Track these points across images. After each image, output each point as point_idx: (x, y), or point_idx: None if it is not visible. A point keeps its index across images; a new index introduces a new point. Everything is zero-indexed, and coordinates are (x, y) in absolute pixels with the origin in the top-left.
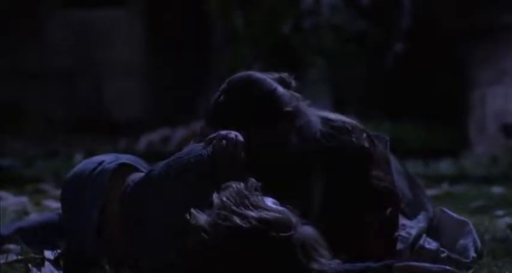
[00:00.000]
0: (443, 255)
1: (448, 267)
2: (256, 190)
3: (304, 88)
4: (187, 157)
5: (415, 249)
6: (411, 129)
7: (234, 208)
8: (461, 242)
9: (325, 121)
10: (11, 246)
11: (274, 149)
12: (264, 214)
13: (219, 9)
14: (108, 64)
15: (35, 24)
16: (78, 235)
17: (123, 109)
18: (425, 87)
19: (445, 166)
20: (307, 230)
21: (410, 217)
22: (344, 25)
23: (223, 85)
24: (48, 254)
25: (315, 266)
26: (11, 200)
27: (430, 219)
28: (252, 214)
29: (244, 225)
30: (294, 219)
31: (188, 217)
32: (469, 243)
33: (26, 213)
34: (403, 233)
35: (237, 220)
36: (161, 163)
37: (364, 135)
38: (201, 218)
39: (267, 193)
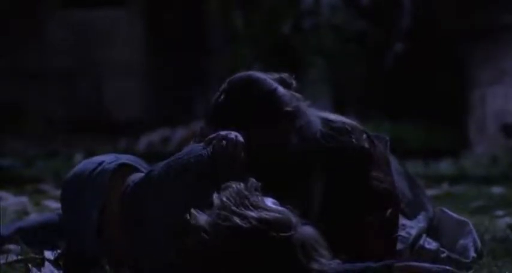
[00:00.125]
0: (443, 255)
1: (448, 267)
2: (256, 190)
3: (304, 89)
4: (187, 157)
5: (415, 249)
6: (411, 129)
7: (234, 208)
8: (461, 242)
9: (325, 121)
10: (11, 246)
11: (274, 149)
12: (264, 214)
13: (219, 9)
14: (108, 64)
15: (35, 24)
16: (78, 235)
17: (123, 109)
18: (425, 87)
19: (445, 166)
20: (307, 230)
21: (410, 217)
22: (344, 25)
23: (224, 85)
24: (48, 254)
25: (315, 266)
26: (11, 200)
27: (430, 219)
28: (252, 214)
29: (244, 225)
30: (294, 219)
31: (188, 217)
32: (469, 243)
33: (26, 213)
34: (403, 233)
35: (237, 220)
36: (161, 163)
37: (364, 135)
38: (201, 218)
39: (267, 193)
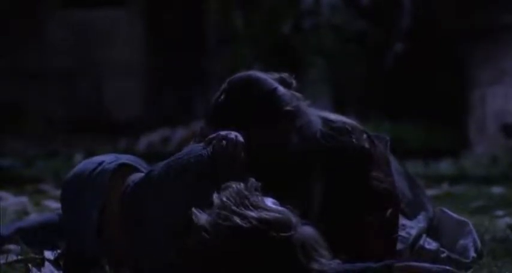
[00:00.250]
0: (443, 255)
1: (448, 268)
2: (256, 190)
3: (304, 88)
4: (187, 157)
5: (415, 249)
6: (411, 129)
7: (234, 208)
8: (461, 242)
9: (326, 121)
10: (11, 246)
11: (274, 149)
12: (264, 214)
13: (219, 9)
14: (108, 64)
15: (35, 24)
16: (78, 235)
17: (123, 109)
18: (425, 87)
19: (445, 166)
20: (307, 230)
21: (411, 217)
22: (344, 25)
23: (224, 85)
24: (48, 254)
25: (315, 266)
26: (11, 200)
27: (430, 219)
28: (252, 214)
29: (244, 225)
30: (294, 219)
31: (188, 217)
32: (469, 243)
33: (26, 213)
34: (403, 233)
35: (237, 220)
36: (161, 163)
37: (365, 135)
38: (201, 218)
39: (267, 193)
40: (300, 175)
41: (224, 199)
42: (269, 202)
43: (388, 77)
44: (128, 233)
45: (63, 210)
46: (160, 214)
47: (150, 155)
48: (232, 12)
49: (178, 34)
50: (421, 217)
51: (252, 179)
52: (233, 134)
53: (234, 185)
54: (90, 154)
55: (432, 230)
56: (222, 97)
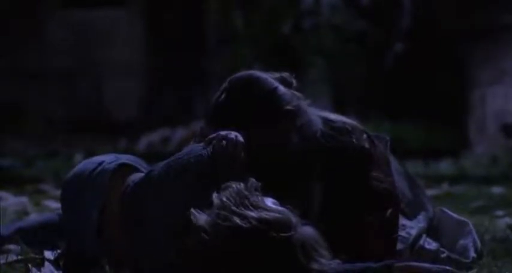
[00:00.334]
0: (443, 255)
1: (448, 268)
2: (256, 190)
3: (304, 88)
4: (187, 157)
5: (415, 249)
6: (411, 129)
7: (234, 208)
8: (461, 242)
9: (326, 121)
10: (11, 246)
11: (274, 149)
12: (264, 214)
13: (219, 9)
14: (108, 64)
15: (35, 24)
16: (78, 235)
17: (123, 109)
18: (425, 87)
19: (445, 166)
20: (307, 231)
21: (411, 217)
22: (344, 25)
23: (224, 84)
24: (48, 254)
25: (315, 266)
26: (11, 200)
27: (430, 219)
28: (252, 214)
29: (244, 225)
30: (294, 219)
31: (188, 217)
32: (469, 243)
33: (26, 213)
34: (403, 233)
35: (237, 220)
36: (161, 163)
37: (365, 135)
38: (201, 218)
39: (267, 193)
40: (300, 175)
41: (224, 199)
42: (269, 202)
43: (388, 77)
44: (128, 233)
45: (63, 210)
46: (160, 214)
47: (150, 155)
48: (232, 12)
49: (178, 34)
50: (421, 217)
51: (252, 179)
52: (233, 134)
53: (234, 185)
54: (90, 154)
55: (432, 230)
56: (222, 96)
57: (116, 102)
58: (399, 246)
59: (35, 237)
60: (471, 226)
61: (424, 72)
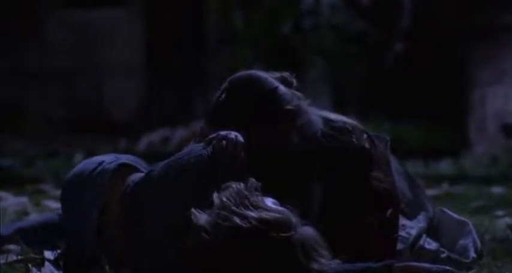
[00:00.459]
0: (443, 255)
1: (448, 268)
2: (256, 190)
3: (304, 88)
4: (187, 157)
5: (415, 249)
6: (411, 129)
7: (234, 208)
8: (461, 242)
9: (326, 121)
10: (11, 246)
11: (274, 149)
12: (264, 214)
13: (219, 9)
14: (108, 64)
15: (35, 24)
16: (78, 235)
17: (123, 109)
18: (425, 87)
19: (445, 166)
20: (307, 231)
21: (411, 217)
22: (344, 25)
23: (225, 84)
24: (48, 254)
25: (315, 266)
26: (11, 200)
27: (430, 219)
28: (252, 214)
29: (244, 225)
30: (294, 219)
31: (188, 217)
32: (469, 243)
33: (26, 213)
34: (403, 233)
35: (237, 220)
36: (161, 163)
37: (365, 135)
38: (201, 218)
39: (267, 193)
40: (300, 175)
41: (224, 199)
42: (269, 202)
43: (388, 77)
44: (128, 233)
45: (63, 210)
46: (160, 214)
47: (150, 155)
48: (232, 12)
49: (178, 34)
50: (421, 217)
51: (252, 179)
52: (233, 134)
53: (234, 185)
54: (90, 154)
55: (432, 230)
56: (222, 96)
57: (116, 102)
58: (399, 246)
59: (35, 237)
60: (471, 226)
61: (424, 72)
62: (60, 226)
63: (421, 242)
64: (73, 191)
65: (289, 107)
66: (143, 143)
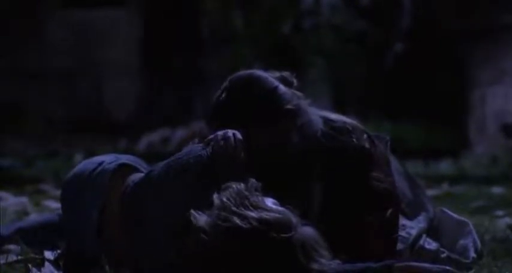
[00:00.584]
0: (443, 255)
1: (448, 268)
2: (256, 190)
3: (304, 88)
4: (187, 158)
5: (415, 249)
6: (411, 129)
7: (234, 208)
8: (461, 242)
9: (326, 121)
10: (11, 246)
11: (274, 149)
12: (264, 215)
13: (219, 9)
14: (108, 64)
15: (35, 24)
16: (78, 235)
17: (123, 109)
18: (425, 87)
19: (445, 166)
20: (307, 231)
21: (411, 217)
22: (344, 25)
23: (225, 84)
24: (48, 254)
25: (315, 266)
26: (11, 200)
27: (430, 219)
28: (252, 214)
29: (244, 225)
30: (294, 219)
31: (188, 217)
32: (469, 243)
33: (26, 213)
34: (403, 233)
35: (237, 221)
36: (161, 164)
37: (365, 135)
38: (201, 218)
39: (267, 193)
40: (300, 175)
41: (224, 199)
42: (269, 202)
43: (388, 77)
44: (128, 233)
45: (63, 210)
46: (160, 214)
47: (150, 155)
48: (232, 12)
49: (178, 34)
50: (421, 217)
51: (252, 180)
52: (233, 134)
53: (234, 186)
54: (90, 154)
55: (432, 230)
56: (222, 95)
57: (116, 102)
58: (399, 246)
59: (35, 237)
60: (471, 226)
61: (424, 72)
62: (60, 226)
63: (421, 242)
64: (73, 191)
65: (289, 106)
66: (143, 143)
